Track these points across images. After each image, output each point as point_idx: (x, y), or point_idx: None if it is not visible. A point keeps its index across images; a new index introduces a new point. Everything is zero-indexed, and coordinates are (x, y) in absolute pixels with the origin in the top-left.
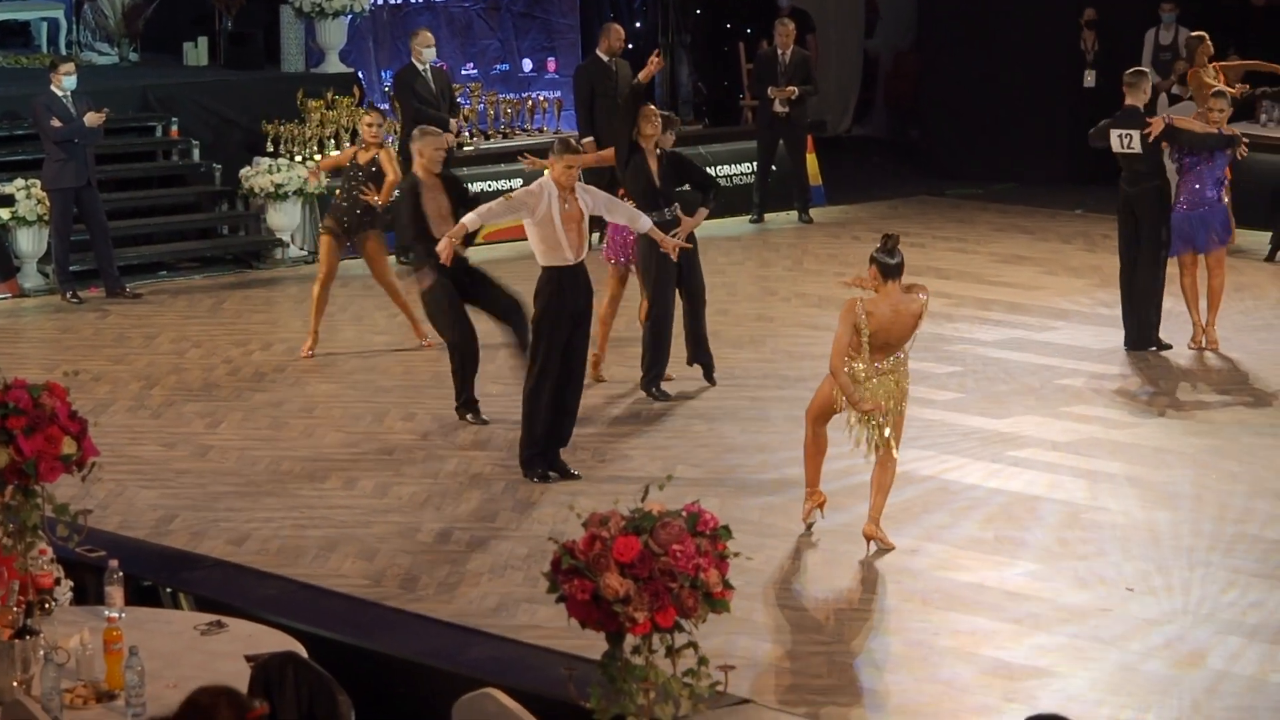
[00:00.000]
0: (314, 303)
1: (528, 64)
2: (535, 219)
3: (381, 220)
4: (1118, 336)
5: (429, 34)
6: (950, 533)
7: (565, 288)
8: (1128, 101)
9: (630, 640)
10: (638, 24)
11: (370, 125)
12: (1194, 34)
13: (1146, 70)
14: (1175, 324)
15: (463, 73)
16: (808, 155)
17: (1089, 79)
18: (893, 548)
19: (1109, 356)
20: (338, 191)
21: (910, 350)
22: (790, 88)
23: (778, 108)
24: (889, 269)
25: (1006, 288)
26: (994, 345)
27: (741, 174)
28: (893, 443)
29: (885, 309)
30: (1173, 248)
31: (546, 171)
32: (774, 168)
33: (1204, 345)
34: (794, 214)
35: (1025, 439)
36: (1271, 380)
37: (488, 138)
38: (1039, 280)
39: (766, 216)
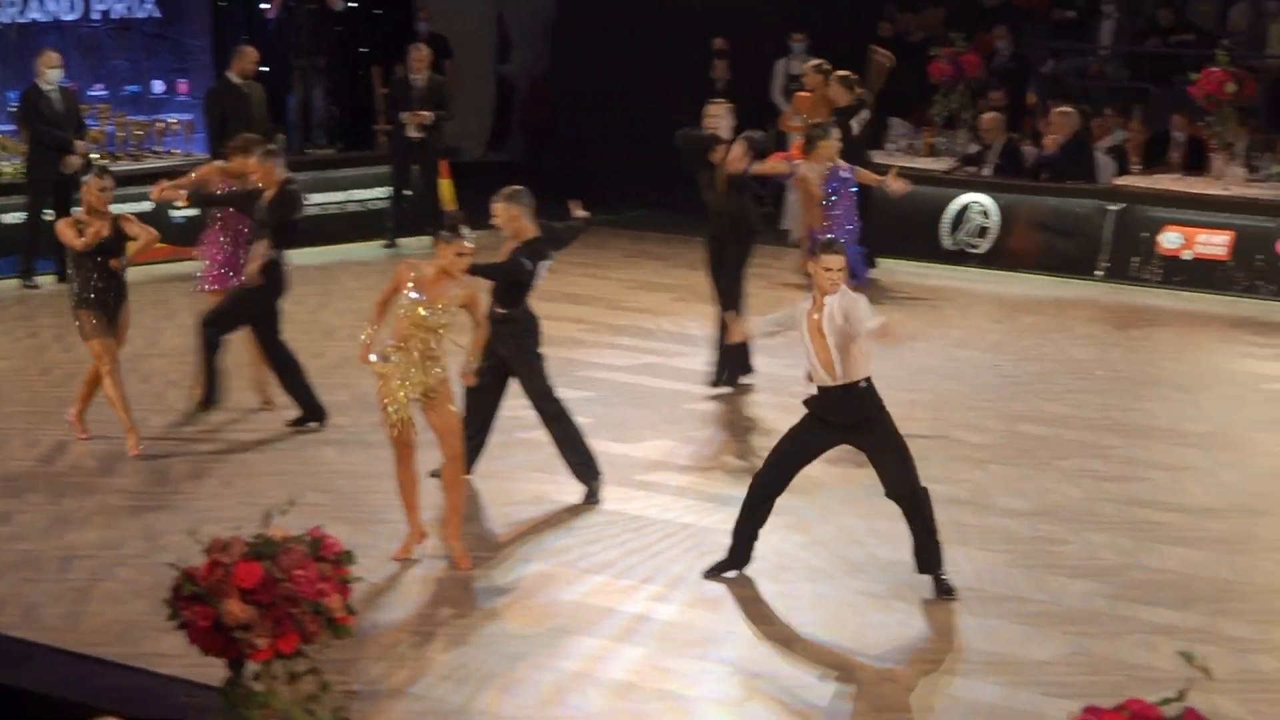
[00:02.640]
0: (116, 400)
1: (159, 85)
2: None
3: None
4: (755, 360)
5: (54, 54)
6: (579, 556)
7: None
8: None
9: (252, 666)
10: (271, 46)
11: (105, 191)
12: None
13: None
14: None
15: (90, 94)
16: (442, 180)
17: None
18: (468, 568)
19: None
20: (77, 278)
21: (446, 363)
22: (424, 113)
23: (412, 133)
24: (448, 240)
25: (639, 314)
26: (626, 370)
27: (375, 199)
28: (455, 463)
29: (430, 271)
30: None
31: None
32: (408, 193)
33: None
34: (428, 239)
35: (656, 463)
36: (898, 406)
37: (117, 160)
38: (670, 306)
39: (400, 241)
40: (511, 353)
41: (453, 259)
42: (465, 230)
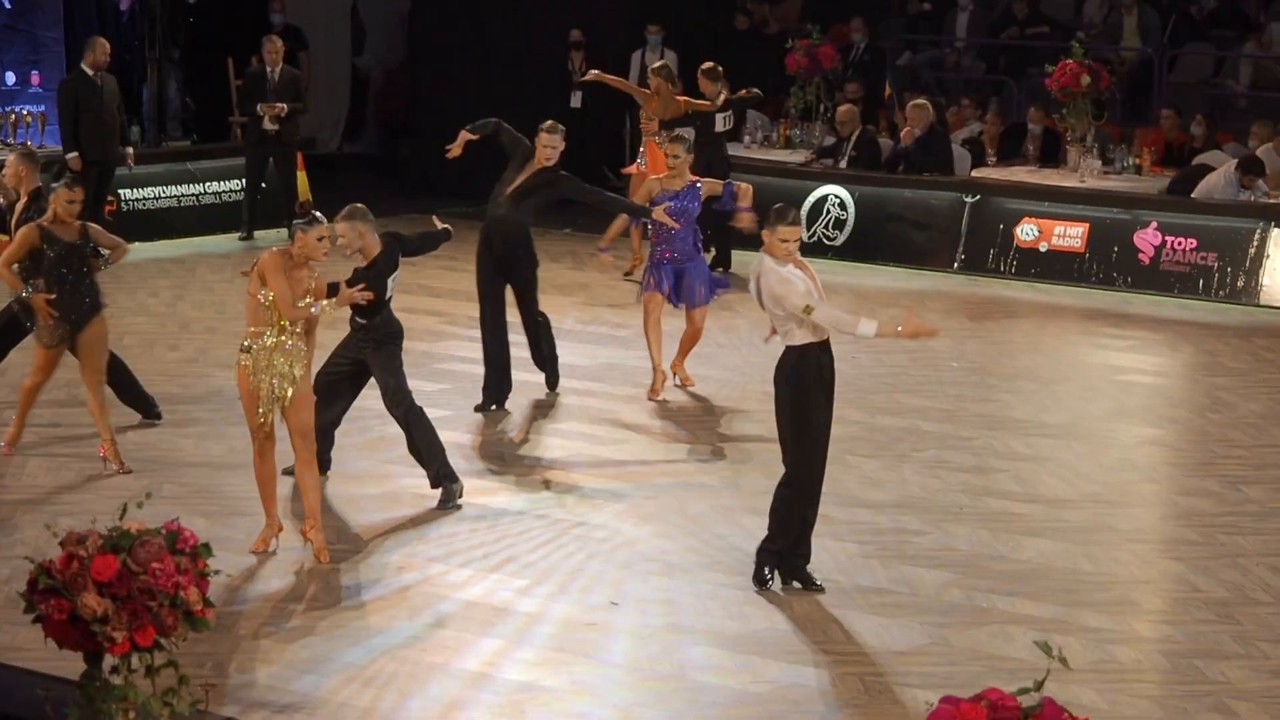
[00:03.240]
0: (23, 398)
1: (11, 77)
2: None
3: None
4: (606, 353)
5: None
6: (439, 548)
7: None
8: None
9: (109, 660)
10: (125, 38)
11: (73, 204)
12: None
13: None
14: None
15: None
16: (298, 173)
17: (576, 100)
18: (327, 562)
19: (597, 373)
20: (31, 286)
21: (301, 344)
22: (279, 105)
23: (267, 125)
24: (305, 229)
25: None
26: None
27: (231, 191)
28: (309, 453)
29: (294, 259)
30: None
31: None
32: (264, 185)
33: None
34: (284, 231)
35: (513, 455)
36: (755, 399)
37: None
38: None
39: (256, 234)
40: (369, 359)
41: (314, 244)
42: (319, 216)
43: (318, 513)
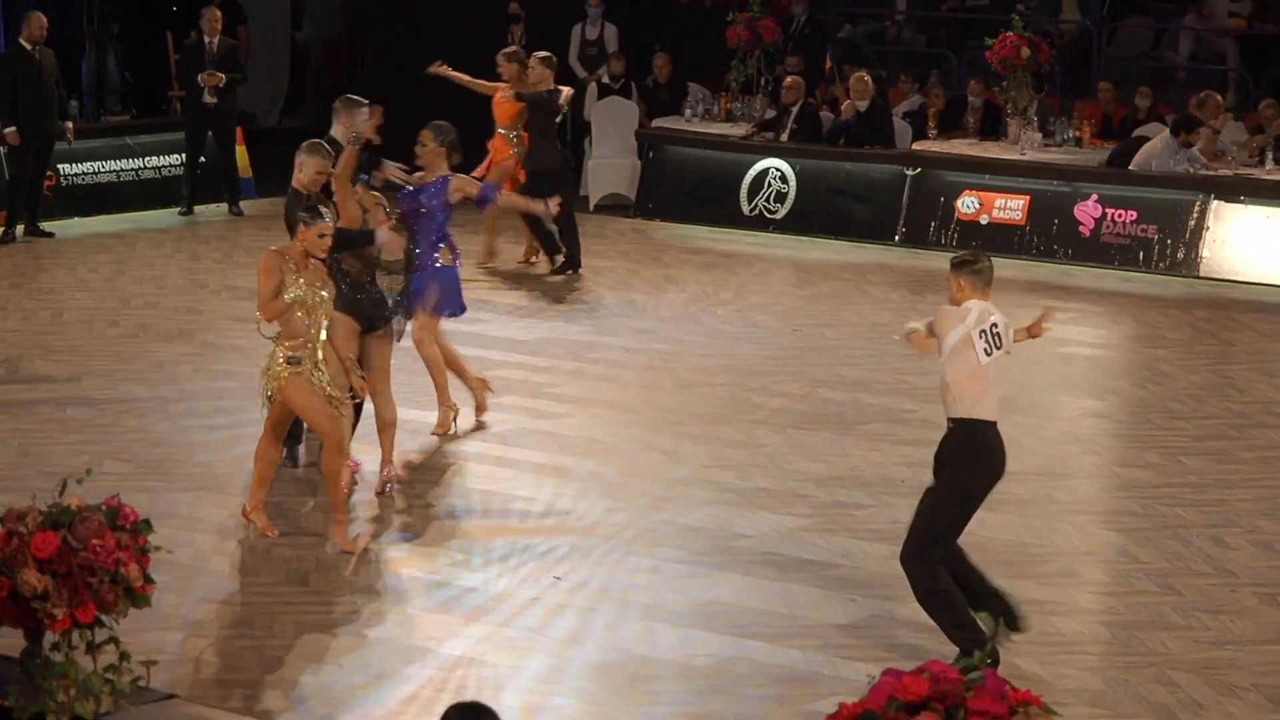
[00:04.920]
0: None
1: None
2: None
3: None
4: (545, 329)
5: None
6: (380, 524)
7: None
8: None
9: (50, 637)
10: (63, 11)
11: (324, 237)
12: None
13: (359, 100)
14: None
15: None
16: (237, 147)
17: None
18: (274, 536)
19: (537, 348)
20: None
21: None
22: (219, 75)
23: (207, 98)
24: (309, 223)
25: None
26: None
27: (170, 165)
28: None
29: (298, 254)
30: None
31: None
32: (203, 159)
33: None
34: (224, 206)
35: (452, 431)
36: (698, 372)
37: None
38: (469, 273)
39: (196, 209)
40: None
41: (315, 240)
42: (324, 212)
43: (261, 492)
